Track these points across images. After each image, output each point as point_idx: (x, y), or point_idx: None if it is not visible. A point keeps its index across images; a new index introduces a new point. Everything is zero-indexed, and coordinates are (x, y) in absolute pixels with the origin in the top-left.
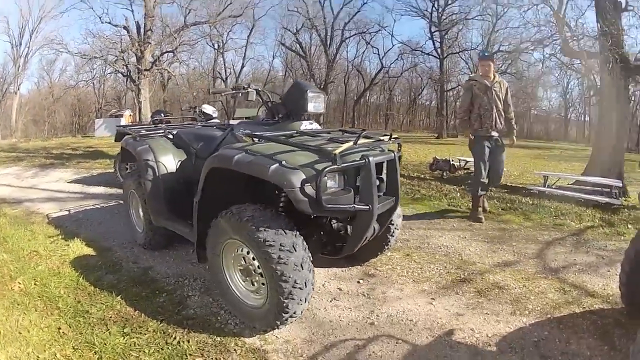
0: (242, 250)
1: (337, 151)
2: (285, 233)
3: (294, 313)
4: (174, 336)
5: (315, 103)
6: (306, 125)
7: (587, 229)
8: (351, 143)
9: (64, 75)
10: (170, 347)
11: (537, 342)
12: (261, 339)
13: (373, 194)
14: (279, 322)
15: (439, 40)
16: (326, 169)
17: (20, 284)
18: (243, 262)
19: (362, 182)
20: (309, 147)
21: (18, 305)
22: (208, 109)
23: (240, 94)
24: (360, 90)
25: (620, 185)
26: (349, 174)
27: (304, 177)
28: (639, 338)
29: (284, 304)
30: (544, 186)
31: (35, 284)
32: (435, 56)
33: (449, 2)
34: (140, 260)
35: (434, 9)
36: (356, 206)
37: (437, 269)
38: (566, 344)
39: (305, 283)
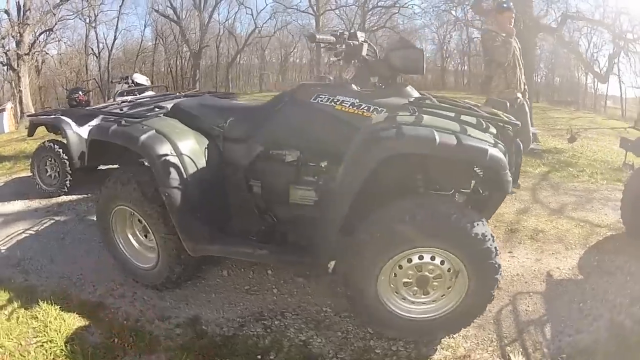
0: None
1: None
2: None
3: None
4: None
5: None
6: (413, 92)
7: (546, 173)
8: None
9: None
10: None
11: (597, 265)
12: None
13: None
14: None
15: None
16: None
17: None
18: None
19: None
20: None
21: None
22: (140, 78)
23: (343, 46)
24: (232, 53)
25: (537, 131)
26: None
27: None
28: None
29: None
30: None
31: None
32: (311, 14)
33: None
34: (172, 311)
35: None
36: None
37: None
38: (611, 262)
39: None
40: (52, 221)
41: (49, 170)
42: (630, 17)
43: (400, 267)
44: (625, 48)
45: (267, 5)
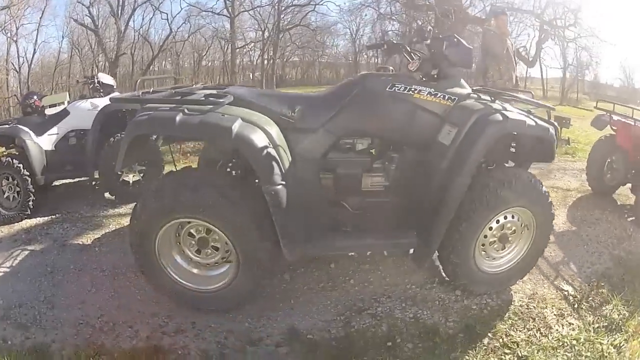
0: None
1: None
2: None
3: None
4: None
5: None
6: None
7: None
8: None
9: None
10: None
11: (582, 218)
12: None
13: None
14: None
15: (230, 0)
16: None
17: None
18: None
19: None
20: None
21: None
22: (107, 78)
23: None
24: (149, 58)
25: None
26: None
27: None
28: None
29: None
30: None
31: None
32: (226, 15)
33: None
34: (258, 332)
35: None
36: None
37: None
38: (591, 215)
39: None
40: (27, 252)
41: (6, 190)
42: (556, 4)
43: (491, 228)
44: (553, 34)
45: (182, 9)
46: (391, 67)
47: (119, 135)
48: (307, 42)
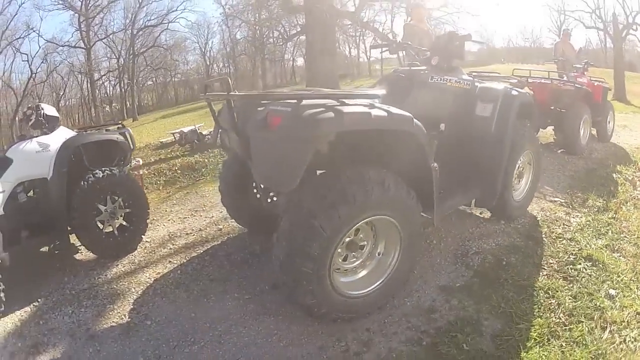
0: None
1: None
2: None
3: None
4: None
5: None
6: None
7: None
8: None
9: None
10: None
11: None
12: None
13: None
14: None
15: (85, 30)
16: None
17: None
18: None
19: None
20: None
21: None
22: (51, 110)
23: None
24: (13, 105)
25: None
26: None
27: None
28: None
29: None
30: None
31: None
32: (82, 47)
33: None
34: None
35: None
36: None
37: None
38: None
39: None
40: None
41: None
42: None
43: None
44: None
45: (40, 48)
46: (417, 62)
47: (96, 173)
48: (161, 63)
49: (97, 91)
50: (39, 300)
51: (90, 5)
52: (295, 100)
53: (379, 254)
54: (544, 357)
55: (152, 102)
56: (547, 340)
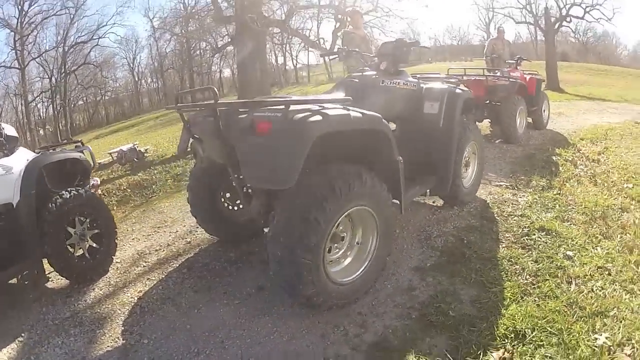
0: None
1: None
2: None
3: None
4: None
5: None
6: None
7: None
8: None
9: None
10: None
11: None
12: None
13: None
14: None
15: (20, 50)
16: None
17: None
18: None
19: None
20: None
21: None
22: (11, 130)
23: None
24: None
25: None
26: None
27: None
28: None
29: None
30: None
31: None
32: (17, 68)
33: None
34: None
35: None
36: None
37: None
38: None
39: None
40: None
41: None
42: None
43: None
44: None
45: None
46: (367, 69)
47: (63, 194)
48: (91, 81)
49: (31, 114)
50: (23, 335)
51: (24, 22)
52: (282, 107)
53: (357, 243)
54: (522, 310)
55: (83, 123)
56: (521, 298)
